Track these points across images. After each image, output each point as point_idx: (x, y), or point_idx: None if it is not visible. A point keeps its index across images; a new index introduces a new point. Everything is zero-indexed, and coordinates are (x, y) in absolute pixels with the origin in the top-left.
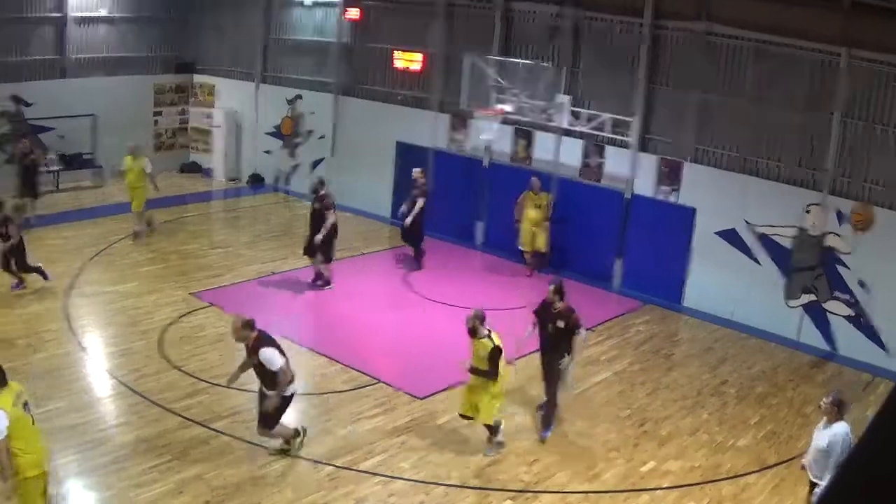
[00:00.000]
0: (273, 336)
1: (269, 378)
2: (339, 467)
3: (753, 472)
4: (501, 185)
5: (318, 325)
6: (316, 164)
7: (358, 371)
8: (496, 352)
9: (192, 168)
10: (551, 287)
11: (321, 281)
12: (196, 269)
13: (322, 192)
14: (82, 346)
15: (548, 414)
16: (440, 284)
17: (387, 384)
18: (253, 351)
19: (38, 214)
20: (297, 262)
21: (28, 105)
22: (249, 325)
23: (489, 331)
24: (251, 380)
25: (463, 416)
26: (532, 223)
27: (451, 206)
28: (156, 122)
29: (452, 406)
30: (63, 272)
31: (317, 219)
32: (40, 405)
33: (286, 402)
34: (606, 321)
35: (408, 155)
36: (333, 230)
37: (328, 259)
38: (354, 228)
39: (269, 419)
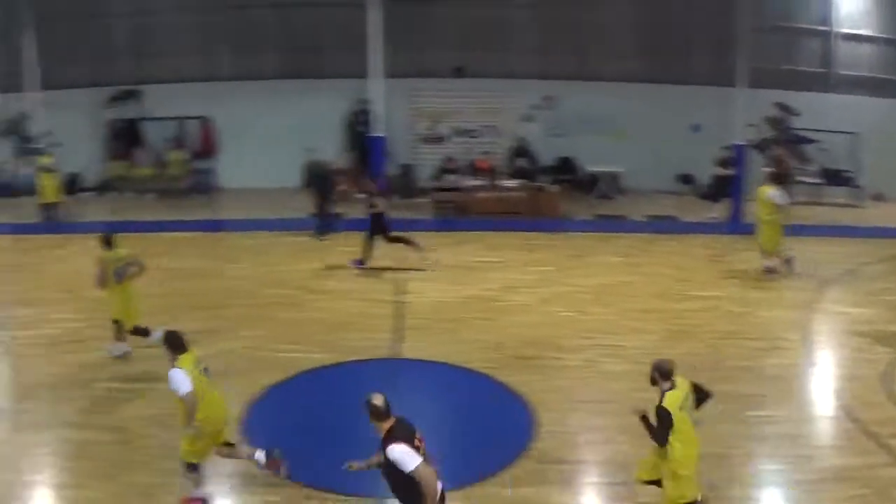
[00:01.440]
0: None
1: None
2: None
3: None
4: None
5: None
6: None
7: None
8: (660, 413)
9: None
10: None
11: None
12: None
13: None
14: (812, 361)
15: None
16: None
17: None
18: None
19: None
20: None
21: (795, 115)
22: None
23: (672, 384)
24: None
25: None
26: None
27: None
28: None
29: None
30: (804, 285)
31: None
32: (758, 408)
33: None
34: None
35: None
36: None
37: None
38: None
39: None
